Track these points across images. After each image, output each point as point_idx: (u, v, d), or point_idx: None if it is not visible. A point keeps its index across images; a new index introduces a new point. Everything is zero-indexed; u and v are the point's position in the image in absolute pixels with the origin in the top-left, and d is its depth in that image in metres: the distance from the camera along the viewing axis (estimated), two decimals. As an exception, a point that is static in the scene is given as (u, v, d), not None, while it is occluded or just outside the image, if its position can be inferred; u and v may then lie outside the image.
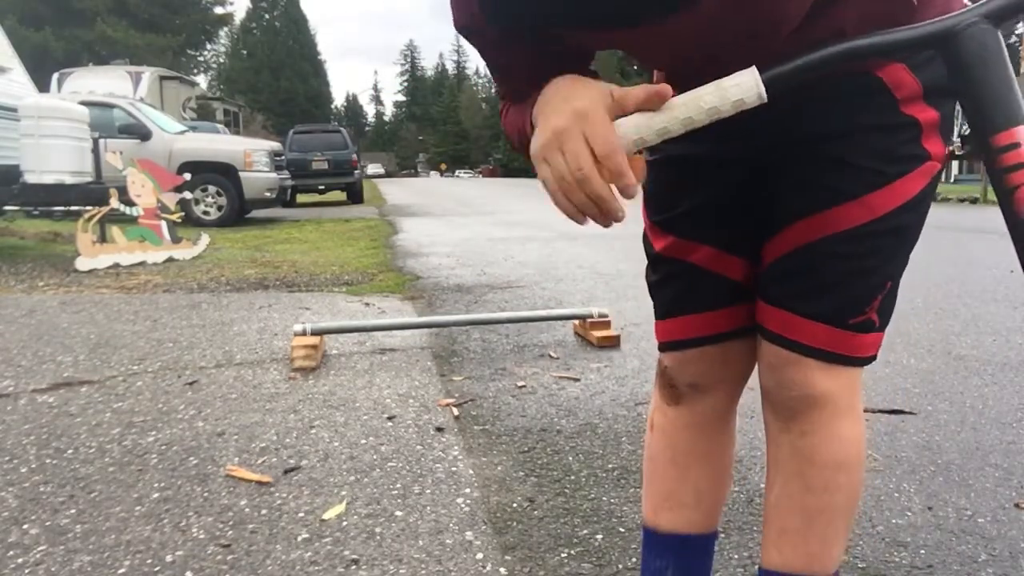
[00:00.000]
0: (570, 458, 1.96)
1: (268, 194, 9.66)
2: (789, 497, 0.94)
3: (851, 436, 0.92)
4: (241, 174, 9.37)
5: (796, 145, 0.88)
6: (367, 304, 4.13)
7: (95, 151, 6.20)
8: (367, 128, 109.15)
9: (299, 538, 1.52)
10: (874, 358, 0.92)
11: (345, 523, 1.59)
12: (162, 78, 18.58)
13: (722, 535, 1.53)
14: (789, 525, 0.94)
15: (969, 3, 0.68)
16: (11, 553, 1.46)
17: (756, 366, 0.98)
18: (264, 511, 1.65)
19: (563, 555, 1.46)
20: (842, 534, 0.96)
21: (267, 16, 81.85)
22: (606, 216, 0.72)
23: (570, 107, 0.70)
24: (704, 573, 1.10)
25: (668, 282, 1.03)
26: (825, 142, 0.85)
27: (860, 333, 0.88)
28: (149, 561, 1.43)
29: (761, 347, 0.94)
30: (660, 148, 0.97)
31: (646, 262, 1.09)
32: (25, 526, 1.57)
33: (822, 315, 0.88)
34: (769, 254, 0.92)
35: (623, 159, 0.70)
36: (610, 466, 1.90)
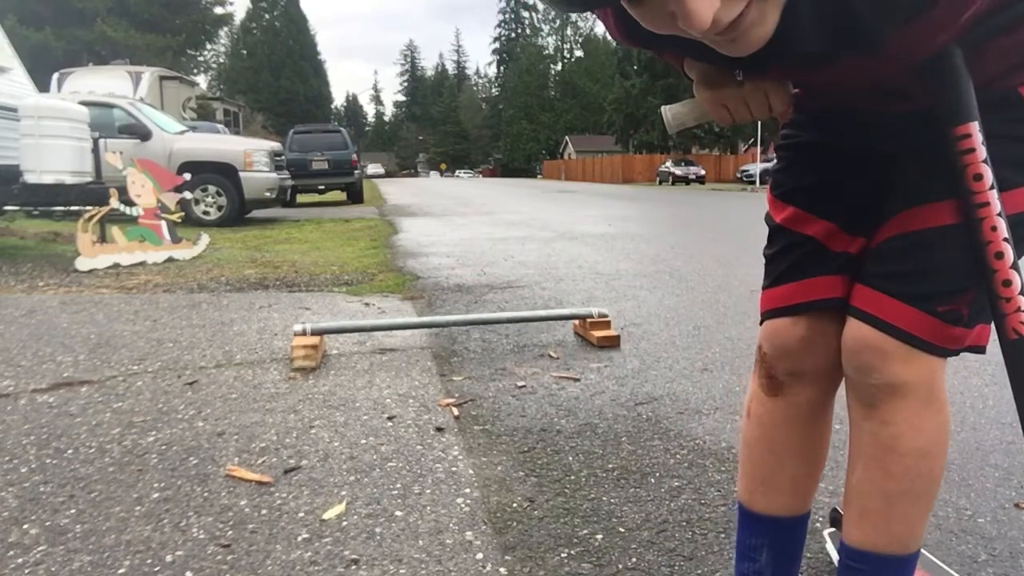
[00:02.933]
0: (570, 458, 1.96)
1: (268, 194, 9.66)
2: (870, 481, 0.96)
3: (933, 426, 0.94)
4: (241, 174, 9.37)
5: (926, 142, 0.91)
6: (367, 304, 4.13)
7: (95, 151, 6.20)
8: (367, 128, 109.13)
9: (299, 538, 1.52)
10: (958, 352, 0.93)
11: (345, 523, 1.59)
12: (162, 78, 18.58)
13: (722, 535, 1.53)
14: (870, 507, 0.97)
15: None
16: (11, 553, 1.46)
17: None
18: (264, 511, 1.65)
19: (563, 555, 1.46)
20: (924, 514, 0.98)
21: (267, 16, 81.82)
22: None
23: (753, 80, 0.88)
24: (798, 550, 1.13)
25: (784, 252, 1.06)
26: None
27: (948, 323, 0.90)
28: (149, 561, 1.43)
29: (847, 328, 0.96)
30: (792, 134, 1.08)
31: (768, 232, 1.12)
32: (25, 526, 1.57)
33: (912, 298, 0.90)
34: (878, 237, 0.96)
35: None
36: (610, 466, 1.90)
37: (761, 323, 1.09)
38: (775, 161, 1.13)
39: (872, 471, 0.96)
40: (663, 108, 0.94)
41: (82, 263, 5.41)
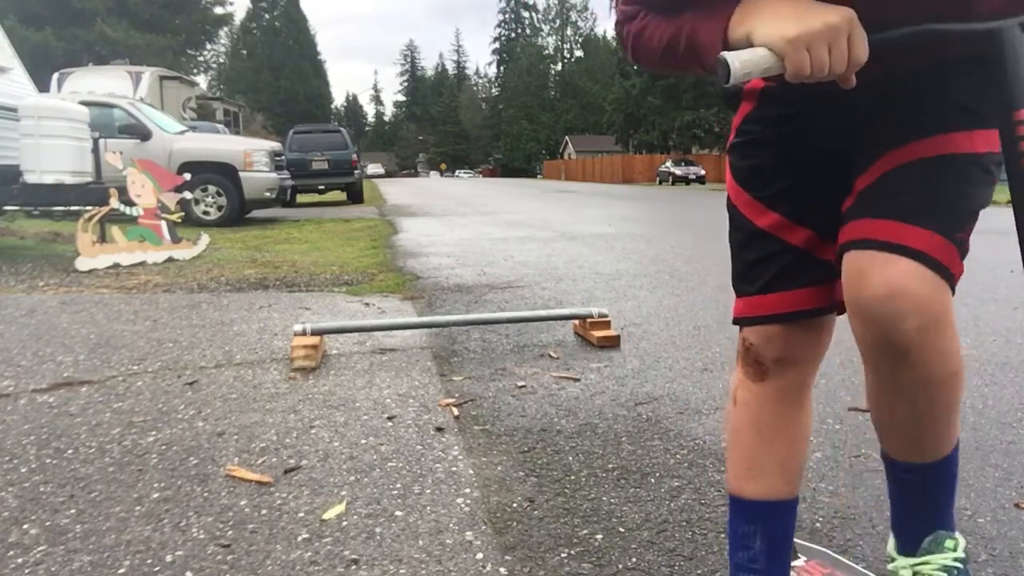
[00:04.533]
0: (570, 458, 1.96)
1: (268, 194, 9.66)
2: (914, 415, 1.01)
3: (956, 346, 0.96)
4: (241, 174, 9.37)
5: (898, 102, 0.96)
6: (367, 304, 4.13)
7: (95, 151, 6.20)
8: (367, 128, 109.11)
9: (299, 538, 1.52)
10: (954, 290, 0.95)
11: (345, 523, 1.59)
12: (162, 78, 18.56)
13: (722, 535, 1.53)
14: (901, 434, 1.05)
15: None
16: (11, 553, 1.46)
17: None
18: (264, 511, 1.65)
19: (563, 555, 1.46)
20: (954, 424, 1.05)
21: (267, 16, 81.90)
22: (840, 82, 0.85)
23: (840, 13, 0.81)
24: (790, 534, 1.16)
25: (770, 260, 1.07)
26: (947, 95, 0.94)
27: (958, 252, 0.93)
28: (149, 561, 1.43)
29: (853, 260, 0.94)
30: (753, 129, 1.08)
31: (737, 233, 1.12)
32: (25, 526, 1.57)
33: (933, 224, 0.91)
34: (874, 173, 0.96)
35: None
36: (610, 466, 1.90)
37: (745, 324, 1.10)
38: (733, 148, 1.12)
39: (898, 409, 1.00)
40: (725, 54, 0.82)
41: (82, 263, 5.41)
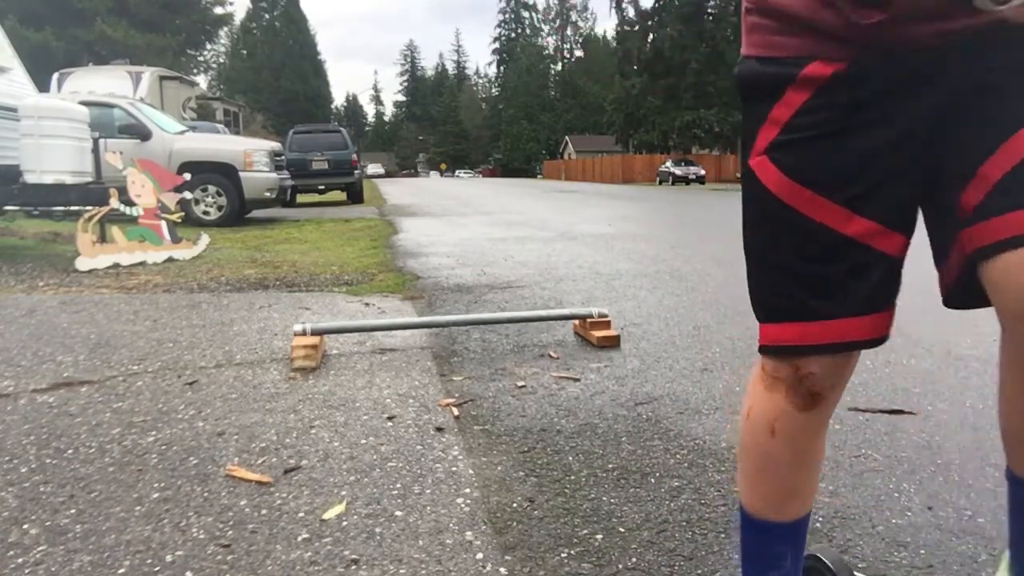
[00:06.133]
0: (570, 458, 1.96)
1: (268, 194, 9.66)
2: None
3: None
4: (241, 174, 9.37)
5: (1002, 67, 0.85)
6: (367, 304, 4.13)
7: (95, 151, 6.20)
8: (367, 128, 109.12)
9: (299, 538, 1.52)
10: None
11: (345, 523, 1.59)
12: (162, 78, 18.56)
13: (722, 535, 1.53)
14: None
15: None
16: (11, 553, 1.46)
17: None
18: (264, 511, 1.65)
19: (563, 555, 1.46)
20: None
21: (267, 16, 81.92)
22: None
23: None
24: (804, 544, 1.13)
25: (859, 274, 0.91)
26: None
27: None
28: (149, 561, 1.43)
29: (1002, 262, 0.84)
30: (831, 118, 0.90)
31: (794, 240, 0.94)
32: (25, 526, 1.57)
33: None
34: (1012, 155, 0.84)
35: None
36: (610, 466, 1.90)
37: (811, 354, 0.94)
38: (781, 147, 0.93)
39: None
40: None
41: (82, 263, 5.41)
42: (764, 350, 1.00)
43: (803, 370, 0.95)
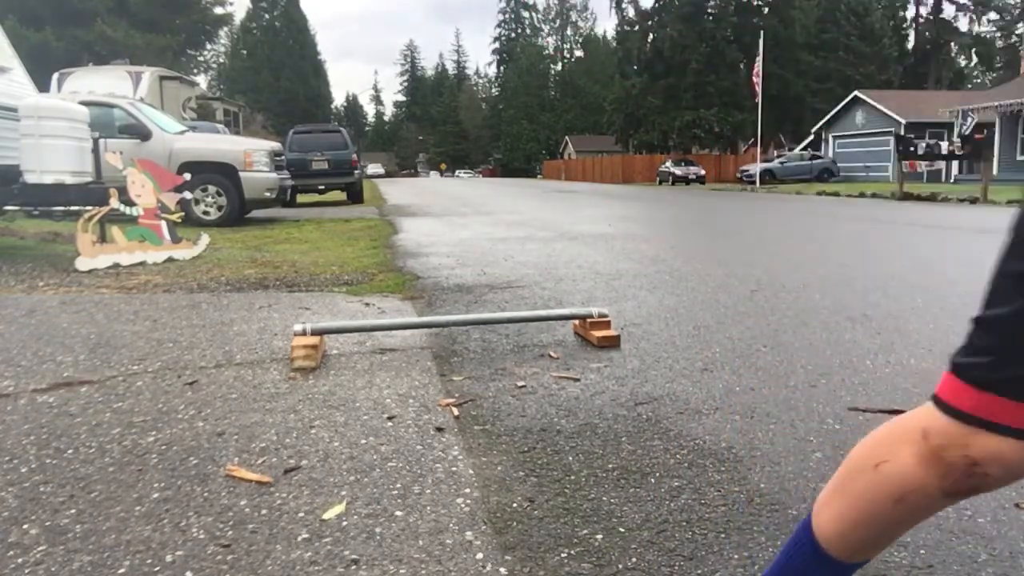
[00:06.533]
0: (570, 458, 1.96)
1: (268, 194, 9.66)
2: None
3: None
4: (241, 174, 9.37)
5: None
6: (367, 304, 4.13)
7: (95, 151, 6.20)
8: (367, 128, 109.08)
9: (299, 538, 1.52)
10: None
11: (345, 523, 1.59)
12: (162, 78, 18.57)
13: (722, 535, 1.53)
14: None
15: None
16: (11, 553, 1.46)
17: None
18: (264, 511, 1.65)
19: (563, 555, 1.46)
20: None
21: (267, 16, 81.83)
22: None
23: None
24: None
25: None
26: None
27: None
28: (149, 561, 1.43)
29: None
30: None
31: None
32: (25, 526, 1.57)
33: None
34: None
35: None
36: (610, 466, 1.90)
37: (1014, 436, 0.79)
38: None
39: None
40: None
41: (82, 263, 5.41)
42: (950, 411, 0.82)
43: (976, 466, 0.79)
